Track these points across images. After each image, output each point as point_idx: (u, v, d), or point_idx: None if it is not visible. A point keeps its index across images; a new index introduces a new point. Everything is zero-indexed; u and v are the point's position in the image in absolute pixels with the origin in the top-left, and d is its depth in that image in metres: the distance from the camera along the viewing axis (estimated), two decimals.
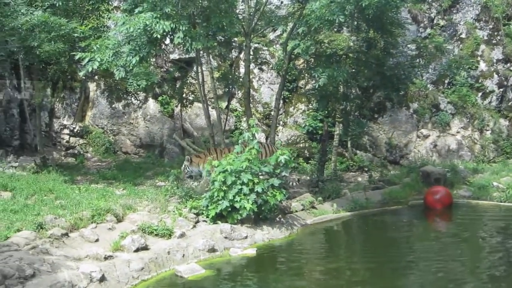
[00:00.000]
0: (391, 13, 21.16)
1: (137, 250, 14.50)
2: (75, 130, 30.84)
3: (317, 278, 14.53)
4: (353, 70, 23.35)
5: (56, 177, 20.95)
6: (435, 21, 32.81)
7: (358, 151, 30.48)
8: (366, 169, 29.20)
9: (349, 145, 29.91)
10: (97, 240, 14.83)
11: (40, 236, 13.95)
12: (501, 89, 31.37)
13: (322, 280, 14.35)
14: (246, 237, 17.06)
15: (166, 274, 14.25)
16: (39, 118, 26.45)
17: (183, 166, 19.53)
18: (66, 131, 30.75)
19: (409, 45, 24.64)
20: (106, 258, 13.75)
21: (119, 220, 16.56)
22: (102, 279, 12.76)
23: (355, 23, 21.49)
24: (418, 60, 24.37)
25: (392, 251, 17.05)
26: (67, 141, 30.63)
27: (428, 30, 32.12)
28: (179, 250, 15.28)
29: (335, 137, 27.11)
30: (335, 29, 22.34)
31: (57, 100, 30.87)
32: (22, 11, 22.18)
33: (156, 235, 15.80)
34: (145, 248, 14.75)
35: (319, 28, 19.52)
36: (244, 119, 27.24)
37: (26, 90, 28.89)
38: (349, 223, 20.66)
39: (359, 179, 27.59)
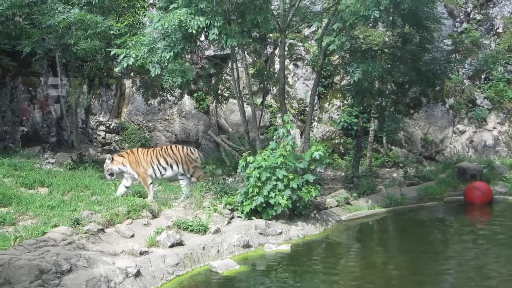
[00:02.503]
0: (427, 8, 20.99)
1: (172, 246, 14.58)
2: (111, 127, 31.06)
3: (352, 274, 14.47)
4: (389, 66, 23.24)
5: (93, 173, 21.16)
6: (471, 16, 32.59)
7: (393, 147, 30.38)
8: (401, 165, 29.11)
9: (384, 141, 29.81)
10: (132, 236, 14.94)
11: (76, 232, 14.06)
12: None
13: (357, 276, 14.29)
14: (280, 233, 17.09)
15: (200, 270, 14.31)
16: (75, 115, 26.70)
17: (105, 164, 19.59)
18: (102, 127, 30.98)
19: (445, 40, 24.53)
20: (141, 253, 13.84)
21: (155, 216, 16.67)
22: (138, 274, 12.86)
23: (391, 18, 21.32)
24: (454, 55, 24.23)
25: (428, 247, 16.91)
26: (103, 138, 30.85)
27: (465, 25, 31.93)
28: (214, 245, 15.34)
29: (370, 133, 27.02)
30: (370, 25, 22.27)
31: (93, 97, 31.10)
32: (59, 9, 22.45)
33: (191, 231, 15.88)
34: (180, 243, 14.82)
35: (354, 23, 19.42)
36: (279, 115, 27.25)
37: (62, 87, 29.17)
38: (384, 219, 20.57)
39: (394, 175, 27.52)
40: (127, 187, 19.12)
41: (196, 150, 20.02)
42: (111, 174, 19.25)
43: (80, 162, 24.19)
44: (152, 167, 19.14)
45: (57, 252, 12.59)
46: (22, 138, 27.08)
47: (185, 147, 19.83)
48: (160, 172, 19.26)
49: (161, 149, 19.72)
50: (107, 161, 19.21)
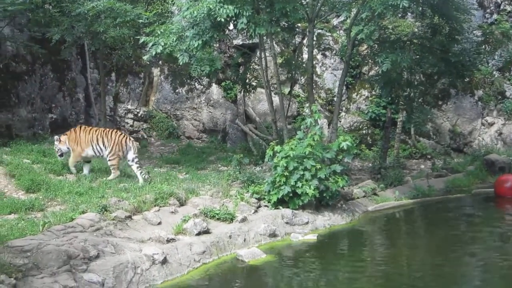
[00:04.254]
0: None
1: (199, 234, 14.63)
2: (139, 115, 31.19)
3: (378, 265, 14.43)
4: (417, 56, 23.17)
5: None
6: (501, 7, 32.35)
7: (421, 138, 30.26)
8: (429, 156, 29.00)
9: (412, 132, 29.68)
10: (159, 223, 15.00)
11: (104, 218, 14.14)
12: None
13: (383, 267, 14.24)
14: (307, 223, 17.10)
15: (227, 258, 14.37)
16: (104, 103, 26.83)
17: (55, 145, 19.72)
18: (130, 115, 31.10)
19: (474, 31, 24.35)
20: (168, 241, 13.90)
21: (182, 203, 16.71)
22: (164, 261, 12.92)
23: (420, 8, 21.22)
24: (483, 46, 24.06)
25: (455, 240, 16.83)
26: (131, 126, 30.98)
27: (495, 16, 31.70)
28: (241, 234, 15.38)
29: (398, 124, 26.93)
30: (399, 15, 22.21)
31: (122, 85, 31.23)
32: None
33: (218, 219, 15.93)
34: (207, 231, 14.87)
35: (383, 13, 19.31)
36: (307, 105, 27.22)
37: (91, 74, 29.33)
38: (411, 211, 20.52)
39: (422, 166, 27.42)
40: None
41: (132, 140, 19.90)
42: (61, 155, 19.42)
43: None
44: (92, 146, 19.14)
45: (85, 238, 12.68)
46: (51, 125, 27.24)
47: (123, 135, 19.73)
48: (99, 152, 19.20)
49: (103, 131, 19.66)
50: (56, 143, 19.40)
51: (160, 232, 14.23)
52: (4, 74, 25.55)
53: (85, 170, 19.24)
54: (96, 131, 19.51)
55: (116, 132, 19.75)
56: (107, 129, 19.92)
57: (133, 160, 19.04)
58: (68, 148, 19.26)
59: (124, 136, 19.56)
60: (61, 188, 16.69)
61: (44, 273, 11.09)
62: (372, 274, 13.73)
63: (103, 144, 19.08)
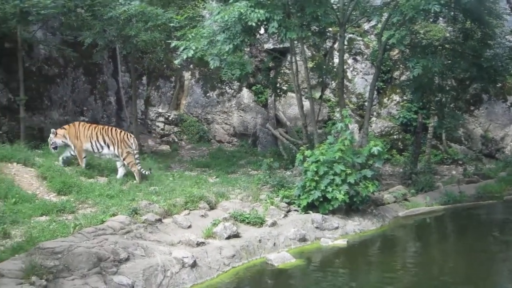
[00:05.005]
0: (489, 3, 20.75)
1: (228, 238, 14.64)
2: (170, 118, 31.29)
3: (409, 272, 14.31)
4: (449, 61, 23.05)
5: (151, 164, 21.27)
6: None
7: (452, 144, 30.07)
8: (461, 162, 28.79)
9: (443, 138, 29.51)
10: (189, 227, 15.02)
11: (134, 221, 14.20)
12: None
13: (413, 273, 14.13)
14: (337, 228, 17.04)
15: (256, 262, 14.36)
16: (135, 106, 26.97)
17: (49, 138, 19.82)
18: (161, 119, 31.22)
19: (507, 36, 24.14)
20: (198, 244, 13.91)
21: (212, 207, 16.76)
22: (194, 264, 12.93)
23: (452, 13, 21.10)
24: None
25: (486, 247, 16.68)
26: (162, 129, 31.09)
27: None
28: (270, 238, 15.36)
29: (429, 129, 26.79)
30: (431, 20, 22.03)
31: (153, 88, 31.36)
32: (120, 1, 22.72)
33: (248, 223, 15.93)
34: (236, 235, 14.88)
35: (414, 17, 19.24)
36: (338, 109, 27.12)
37: (123, 78, 29.48)
38: (442, 217, 20.38)
39: (453, 172, 27.23)
40: (72, 154, 19.46)
41: (133, 136, 20.09)
42: (55, 148, 19.53)
43: (139, 153, 24.40)
44: (91, 142, 19.31)
45: (115, 241, 12.73)
46: None
47: (123, 132, 19.93)
48: (98, 149, 19.39)
49: (102, 128, 19.85)
50: (51, 136, 19.55)
51: (190, 235, 14.24)
52: (37, 77, 25.78)
53: (60, 159, 19.38)
54: (95, 128, 19.73)
55: (116, 129, 19.92)
56: (107, 127, 20.15)
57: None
58: (63, 142, 19.39)
59: (124, 133, 19.79)
60: (92, 190, 16.80)
61: (75, 275, 11.14)
62: (403, 280, 13.61)
63: (104, 142, 19.29)
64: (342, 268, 14.55)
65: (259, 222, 16.00)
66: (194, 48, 19.47)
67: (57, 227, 13.31)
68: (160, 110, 31.41)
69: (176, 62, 21.49)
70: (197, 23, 23.53)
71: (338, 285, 13.20)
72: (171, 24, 23.07)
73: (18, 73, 23.53)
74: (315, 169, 17.36)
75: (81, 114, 27.61)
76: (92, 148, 19.31)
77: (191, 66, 29.91)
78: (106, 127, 20.11)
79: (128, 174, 19.19)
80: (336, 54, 28.05)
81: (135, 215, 14.57)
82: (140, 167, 19.10)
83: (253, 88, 31.64)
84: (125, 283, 11.44)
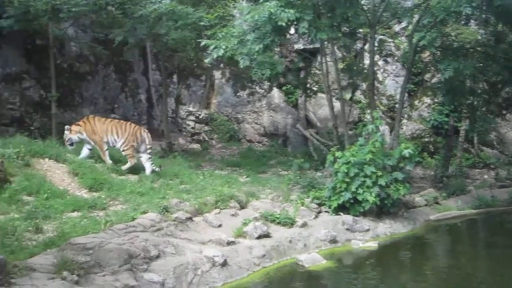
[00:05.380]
0: None
1: (259, 237, 14.60)
2: (201, 117, 31.32)
3: (439, 275, 14.21)
4: (481, 64, 22.90)
5: (182, 162, 21.32)
6: None
7: (484, 148, 29.80)
8: (493, 166, 28.54)
9: (475, 141, 29.28)
10: (220, 226, 14.99)
11: (165, 219, 14.19)
12: None
13: (443, 277, 14.03)
14: (368, 230, 16.96)
15: (286, 262, 14.30)
16: (165, 104, 27.01)
17: (64, 135, 19.88)
18: (191, 117, 31.25)
19: None
20: (228, 243, 13.89)
21: (242, 207, 16.73)
22: (224, 264, 12.91)
23: (483, 16, 20.94)
24: None
25: None
26: (193, 128, 31.11)
27: None
28: (301, 239, 15.32)
29: (461, 132, 26.60)
30: (462, 22, 21.85)
31: (183, 87, 31.40)
32: None
33: (278, 223, 15.87)
34: (267, 235, 14.83)
35: (445, 20, 19.12)
36: (368, 111, 27.00)
37: (153, 76, 29.53)
38: (473, 221, 20.23)
39: (485, 176, 26.99)
40: (89, 149, 19.59)
41: (146, 131, 20.20)
42: (71, 144, 19.68)
43: (170, 151, 24.50)
44: (107, 135, 19.40)
45: (146, 238, 12.75)
46: None
47: (137, 126, 20.11)
48: (112, 143, 19.49)
49: (118, 122, 20.08)
50: (66, 132, 19.69)
51: (220, 234, 14.23)
52: (68, 74, 25.93)
53: (83, 154, 19.51)
54: (110, 122, 19.91)
55: (130, 124, 20.08)
56: (122, 121, 20.31)
57: (144, 152, 19.43)
58: (79, 138, 19.50)
59: (139, 128, 19.95)
60: (123, 187, 16.83)
61: (106, 271, 11.14)
62: (433, 284, 13.54)
63: (117, 135, 19.39)
64: (372, 270, 14.49)
65: (290, 223, 15.94)
66: (224, 47, 19.46)
67: (88, 223, 13.33)
68: (190, 109, 31.46)
69: (206, 61, 21.51)
70: (227, 22, 23.59)
71: (369, 287, 13.12)
72: (202, 23, 23.11)
73: (50, 70, 23.65)
74: (346, 171, 17.28)
75: (111, 111, 27.71)
76: (108, 140, 19.45)
77: (222, 65, 29.86)
78: (122, 121, 20.35)
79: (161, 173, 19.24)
80: (366, 55, 27.91)
81: (166, 213, 14.56)
82: (151, 162, 19.29)
83: (284, 88, 31.58)
84: (155, 281, 11.45)
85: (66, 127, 19.83)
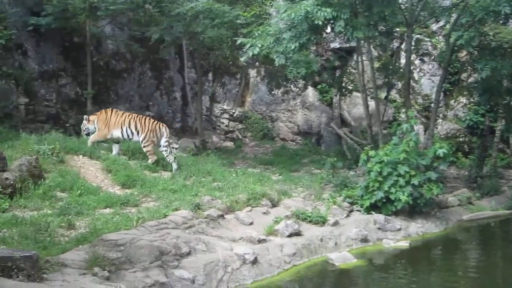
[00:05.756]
0: None
1: (290, 235, 14.62)
2: (235, 115, 31.39)
3: (471, 276, 14.12)
4: None
5: (215, 160, 21.40)
6: None
7: None
8: None
9: (511, 141, 28.96)
10: (251, 223, 15.06)
11: (196, 216, 14.27)
12: None
13: (476, 278, 13.93)
14: (399, 229, 16.89)
15: (317, 261, 14.31)
16: (200, 102, 27.13)
17: (82, 124, 20.39)
18: (226, 115, 31.35)
19: None
20: (259, 241, 13.93)
21: (274, 205, 16.78)
22: (255, 261, 12.95)
23: None
24: None
25: None
26: (227, 126, 31.21)
27: None
28: (332, 238, 15.31)
29: (496, 132, 26.30)
30: (501, 21, 21.63)
31: (218, 85, 31.50)
32: None
33: (310, 221, 15.88)
34: (298, 234, 14.85)
35: (484, 19, 18.97)
36: (403, 110, 26.88)
37: (189, 74, 29.66)
38: (507, 222, 19.99)
39: None
40: (117, 143, 20.11)
41: (165, 126, 20.56)
42: (88, 134, 20.18)
43: (203, 149, 24.60)
44: (121, 129, 19.83)
45: (177, 235, 12.84)
46: None
47: (156, 122, 20.49)
48: (128, 136, 19.91)
49: (137, 116, 20.39)
50: (84, 122, 20.27)
51: (251, 232, 14.29)
52: (104, 71, 26.17)
53: (114, 151, 19.84)
54: (128, 115, 20.26)
55: (149, 119, 20.49)
56: (140, 115, 20.63)
57: (164, 146, 19.75)
58: (95, 128, 19.80)
59: (157, 123, 20.27)
60: (156, 184, 16.96)
61: (137, 268, 11.23)
62: (465, 284, 13.44)
63: (135, 129, 19.78)
64: (403, 270, 14.43)
65: (321, 221, 15.96)
66: (260, 45, 19.51)
67: (120, 220, 13.48)
68: (225, 107, 31.55)
69: (242, 59, 21.62)
70: (264, 20, 23.61)
71: (400, 287, 13.07)
72: (238, 21, 23.19)
73: (86, 68, 23.97)
74: (379, 170, 17.22)
75: (146, 109, 27.90)
76: (122, 134, 19.89)
77: (257, 63, 29.90)
78: (141, 116, 20.66)
79: (192, 169, 19.33)
80: (403, 54, 27.78)
81: (198, 210, 14.65)
82: (171, 156, 19.65)
83: (318, 87, 31.52)
84: (186, 277, 11.52)
85: (85, 116, 20.32)
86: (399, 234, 16.73)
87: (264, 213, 15.92)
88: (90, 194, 15.35)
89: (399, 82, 29.10)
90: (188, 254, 12.36)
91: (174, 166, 19.43)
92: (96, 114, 20.35)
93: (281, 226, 14.81)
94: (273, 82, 28.20)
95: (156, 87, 28.75)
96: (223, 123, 31.24)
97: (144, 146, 19.65)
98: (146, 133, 19.60)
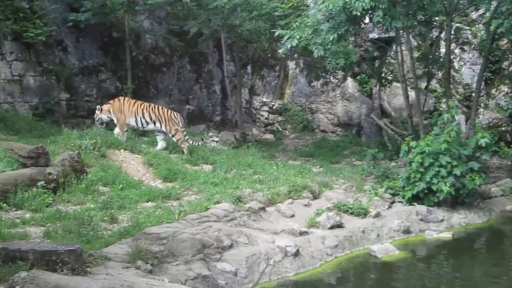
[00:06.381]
0: None
1: (331, 228, 14.57)
2: (274, 107, 31.35)
3: None
4: None
5: (255, 153, 21.41)
6: None
7: None
8: None
9: None
10: (292, 216, 15.04)
11: (238, 209, 14.31)
12: None
13: None
14: (442, 220, 16.74)
15: (359, 253, 14.27)
16: (239, 95, 27.16)
17: (95, 114, 20.76)
18: (265, 108, 31.33)
19: None
20: (301, 233, 13.91)
21: (315, 197, 16.74)
22: (297, 254, 12.95)
23: None
24: None
25: None
26: (266, 118, 31.19)
27: None
28: (374, 229, 15.24)
29: None
30: None
31: (257, 77, 31.49)
32: None
33: (351, 213, 15.81)
34: (339, 225, 14.80)
35: None
36: (444, 100, 26.67)
37: (227, 67, 29.70)
38: None
39: None
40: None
41: (179, 114, 21.05)
42: (101, 123, 20.55)
43: (243, 141, 24.62)
44: (135, 118, 20.26)
45: (219, 228, 12.89)
46: (188, 116, 27.81)
47: (169, 110, 20.93)
48: (142, 124, 20.43)
49: (149, 106, 20.74)
50: (97, 112, 20.61)
51: (293, 224, 14.29)
52: (144, 66, 26.34)
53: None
54: (140, 104, 20.64)
55: (162, 108, 20.94)
56: (152, 105, 21.01)
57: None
58: (108, 117, 20.31)
59: (170, 111, 20.79)
60: (197, 178, 17.07)
61: (179, 261, 11.30)
62: (509, 275, 13.29)
63: (150, 119, 20.24)
64: (446, 261, 14.37)
65: (363, 213, 15.88)
66: (298, 37, 19.45)
67: (162, 213, 13.57)
68: (264, 99, 31.53)
69: (280, 51, 21.55)
70: (302, 12, 23.52)
71: (443, 278, 13.00)
72: (276, 13, 23.17)
73: (126, 62, 24.14)
74: (420, 161, 17.09)
75: (186, 102, 28.03)
76: (136, 123, 20.39)
77: (295, 55, 29.85)
78: (152, 105, 21.00)
79: (233, 163, 19.38)
80: (442, 43, 27.53)
81: (239, 203, 14.69)
82: (190, 140, 20.42)
83: (358, 77, 31.33)
84: (228, 270, 11.56)
85: (98, 107, 20.74)
86: (442, 225, 16.58)
87: (305, 205, 15.88)
88: (132, 188, 15.50)
89: (439, 72, 28.83)
90: (230, 247, 12.40)
91: (185, 151, 19.90)
92: (109, 103, 20.60)
93: (323, 218, 14.77)
94: (312, 74, 28.09)
95: (195, 81, 28.84)
96: (262, 115, 31.23)
97: (173, 137, 20.07)
98: (167, 123, 20.09)
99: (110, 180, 15.66)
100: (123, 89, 24.64)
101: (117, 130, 20.16)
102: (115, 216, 13.17)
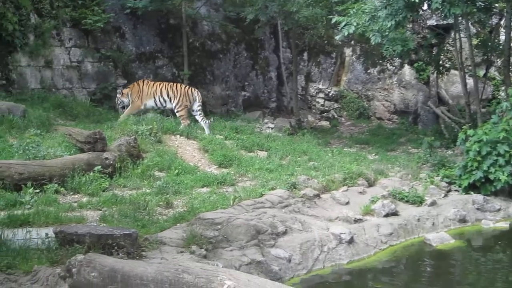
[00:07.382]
0: None
1: (386, 215, 14.49)
2: (330, 94, 31.29)
3: None
4: None
5: (310, 140, 21.42)
6: None
7: None
8: None
9: None
10: (347, 203, 15.00)
11: (292, 196, 14.30)
12: None
13: None
14: (499, 210, 16.48)
15: (414, 241, 14.14)
16: (295, 82, 27.16)
17: (116, 98, 21.08)
18: (321, 95, 31.28)
19: None
20: (355, 221, 13.86)
21: (370, 184, 16.65)
22: (351, 241, 12.90)
23: None
24: None
25: None
26: (322, 105, 31.15)
27: None
28: (429, 218, 15.10)
29: None
30: None
31: (313, 64, 31.43)
32: None
33: (406, 201, 15.68)
34: (394, 213, 14.70)
35: None
36: (503, 88, 26.30)
37: (284, 54, 29.68)
38: None
39: None
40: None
41: (197, 90, 21.39)
42: (123, 107, 20.81)
43: (299, 128, 24.64)
44: (154, 98, 20.61)
45: (274, 214, 12.90)
46: (244, 103, 27.94)
47: (187, 87, 21.33)
48: (162, 104, 20.77)
49: (168, 84, 21.15)
50: (118, 95, 20.97)
51: (347, 211, 14.24)
52: (200, 52, 26.48)
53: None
54: (160, 84, 21.04)
55: (181, 85, 21.27)
56: (172, 83, 21.39)
57: (197, 111, 20.64)
58: (129, 100, 20.51)
59: (189, 87, 21.04)
60: (252, 164, 17.12)
61: (233, 246, 11.35)
62: None
63: (168, 96, 20.58)
64: (503, 251, 14.15)
65: (418, 201, 15.73)
66: (355, 24, 19.34)
67: (217, 199, 13.66)
68: (320, 86, 31.47)
69: (337, 38, 21.52)
70: None
71: (499, 268, 12.83)
72: (333, 0, 23.01)
73: (182, 49, 24.30)
74: (478, 149, 16.84)
75: (242, 89, 28.13)
76: (156, 103, 20.82)
77: (352, 42, 29.71)
78: (172, 83, 21.42)
79: (288, 150, 19.39)
80: (502, 31, 27.13)
81: (294, 189, 14.69)
82: (202, 118, 20.60)
83: (415, 65, 31.06)
84: (282, 256, 11.56)
85: (118, 90, 21.13)
86: (499, 215, 16.33)
87: (360, 192, 15.82)
88: (187, 174, 15.65)
89: (498, 59, 28.42)
90: (284, 233, 12.41)
91: (207, 131, 20.14)
92: (129, 87, 20.91)
93: (378, 205, 14.70)
94: (368, 61, 27.96)
95: (252, 67, 28.92)
96: (318, 102, 31.19)
97: (177, 111, 20.51)
98: (179, 98, 20.46)
99: (166, 166, 15.82)
100: (179, 75, 24.82)
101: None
102: (170, 201, 13.31)
